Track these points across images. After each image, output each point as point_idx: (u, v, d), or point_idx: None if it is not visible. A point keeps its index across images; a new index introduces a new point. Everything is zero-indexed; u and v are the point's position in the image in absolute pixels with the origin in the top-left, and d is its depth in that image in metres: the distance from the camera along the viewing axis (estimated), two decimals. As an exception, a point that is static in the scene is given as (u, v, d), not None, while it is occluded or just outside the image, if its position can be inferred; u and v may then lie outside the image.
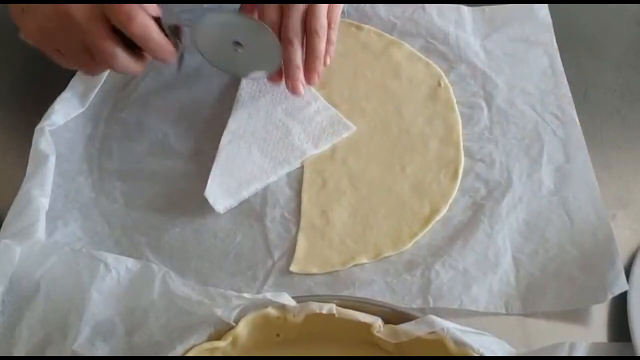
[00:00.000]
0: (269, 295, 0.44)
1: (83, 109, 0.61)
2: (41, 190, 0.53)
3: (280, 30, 0.56)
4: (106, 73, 0.63)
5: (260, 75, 0.58)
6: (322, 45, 0.57)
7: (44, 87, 0.63)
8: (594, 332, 0.48)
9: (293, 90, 0.58)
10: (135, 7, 0.45)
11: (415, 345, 0.43)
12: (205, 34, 0.50)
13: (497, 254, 0.51)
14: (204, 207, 0.54)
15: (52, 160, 0.56)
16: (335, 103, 0.62)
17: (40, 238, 0.50)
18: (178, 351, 0.43)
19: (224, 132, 0.59)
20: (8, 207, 0.52)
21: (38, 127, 0.58)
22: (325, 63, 0.59)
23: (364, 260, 0.51)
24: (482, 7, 0.69)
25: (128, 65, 0.49)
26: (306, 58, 0.58)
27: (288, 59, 0.57)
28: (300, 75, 0.58)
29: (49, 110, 0.59)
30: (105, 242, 0.53)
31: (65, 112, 0.60)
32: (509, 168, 0.56)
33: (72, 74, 0.63)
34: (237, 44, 0.53)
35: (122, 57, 0.48)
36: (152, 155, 0.59)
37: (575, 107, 0.60)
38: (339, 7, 0.59)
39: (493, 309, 0.48)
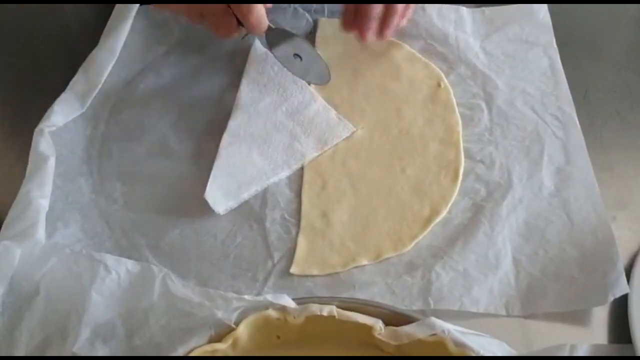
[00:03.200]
0: (269, 297, 0.44)
1: (83, 110, 0.61)
2: (41, 192, 0.53)
3: None
4: (106, 73, 0.63)
5: (313, 82, 0.63)
6: (400, 5, 0.62)
7: (44, 88, 0.63)
8: (595, 333, 0.47)
9: (362, 37, 0.62)
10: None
11: (415, 346, 0.43)
12: (276, 41, 0.60)
13: (498, 255, 0.51)
14: (204, 208, 0.54)
15: (52, 162, 0.56)
16: (335, 104, 0.62)
17: (40, 239, 0.50)
18: (178, 353, 0.43)
19: (224, 133, 0.59)
20: (8, 209, 0.52)
21: (37, 128, 0.58)
22: (401, 22, 0.63)
23: (364, 262, 0.51)
24: (482, 7, 0.69)
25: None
26: (385, 13, 0.61)
27: (369, 9, 0.60)
28: (374, 25, 0.61)
29: (49, 112, 0.59)
30: (105, 244, 0.53)
31: (65, 113, 0.60)
32: (509, 169, 0.56)
33: (71, 75, 0.63)
34: (297, 56, 0.60)
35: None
36: (152, 156, 0.59)
37: (575, 108, 0.60)
38: None
39: (493, 311, 0.48)
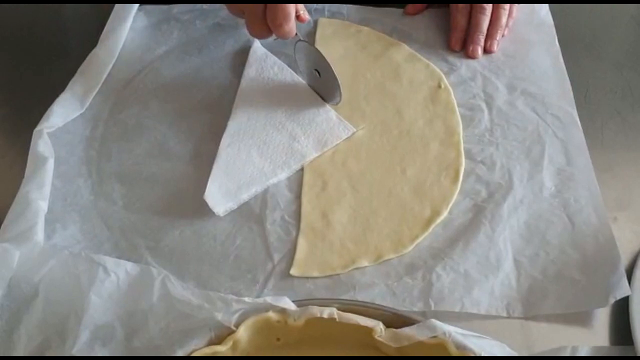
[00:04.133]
0: (269, 299, 0.44)
1: (82, 111, 0.61)
2: (40, 193, 0.53)
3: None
4: (105, 73, 0.63)
5: (325, 100, 0.63)
6: (505, 17, 0.66)
7: (43, 88, 0.63)
8: (596, 335, 0.47)
9: (473, 53, 0.65)
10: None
11: (416, 348, 0.43)
12: (300, 53, 0.62)
13: (499, 257, 0.51)
14: (204, 209, 0.54)
15: (50, 163, 0.55)
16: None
17: (39, 241, 0.49)
18: (178, 355, 0.43)
19: (224, 134, 0.59)
20: (6, 210, 0.52)
21: (36, 129, 0.58)
22: (503, 34, 0.66)
23: (365, 264, 0.51)
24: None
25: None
26: (490, 27, 0.65)
27: (476, 24, 0.65)
28: (482, 41, 0.65)
29: (48, 112, 0.59)
30: (104, 245, 0.53)
31: (64, 113, 0.60)
32: (510, 170, 0.56)
33: (71, 75, 0.63)
34: (317, 71, 0.61)
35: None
36: (152, 157, 0.59)
37: (576, 108, 0.60)
38: None
39: (494, 312, 0.48)
